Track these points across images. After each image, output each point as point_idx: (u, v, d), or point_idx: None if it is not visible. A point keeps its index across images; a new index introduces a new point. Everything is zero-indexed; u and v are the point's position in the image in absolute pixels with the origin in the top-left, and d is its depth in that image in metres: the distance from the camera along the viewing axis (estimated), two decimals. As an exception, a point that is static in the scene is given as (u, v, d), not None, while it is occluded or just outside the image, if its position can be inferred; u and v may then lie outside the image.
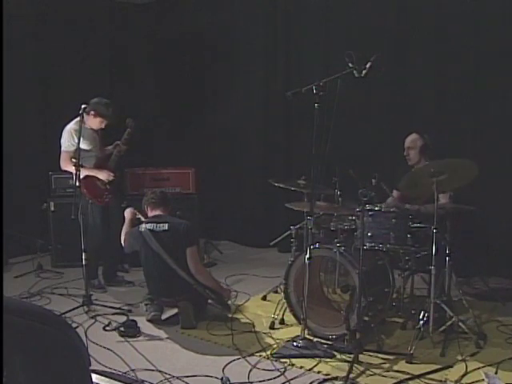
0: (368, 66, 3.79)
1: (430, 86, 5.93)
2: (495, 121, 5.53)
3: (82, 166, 5.01)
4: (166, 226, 4.59)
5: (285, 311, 4.47)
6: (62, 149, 5.30)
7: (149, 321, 4.55)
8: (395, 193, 5.09)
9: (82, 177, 4.97)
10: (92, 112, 5.29)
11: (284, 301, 4.43)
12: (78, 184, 4.85)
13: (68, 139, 5.26)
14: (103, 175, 5.39)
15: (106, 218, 5.46)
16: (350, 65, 3.80)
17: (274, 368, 3.71)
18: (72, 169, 5.02)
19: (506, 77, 5.41)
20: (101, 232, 5.42)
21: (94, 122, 5.37)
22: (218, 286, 4.80)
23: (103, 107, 5.33)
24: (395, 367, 3.69)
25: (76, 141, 5.04)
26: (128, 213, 4.94)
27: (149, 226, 4.62)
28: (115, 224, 5.53)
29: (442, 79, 5.86)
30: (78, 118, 5.04)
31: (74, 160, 4.90)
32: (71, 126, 5.28)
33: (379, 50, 5.64)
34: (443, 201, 4.50)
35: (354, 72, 3.81)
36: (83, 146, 5.17)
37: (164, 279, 4.57)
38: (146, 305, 4.69)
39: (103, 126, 5.42)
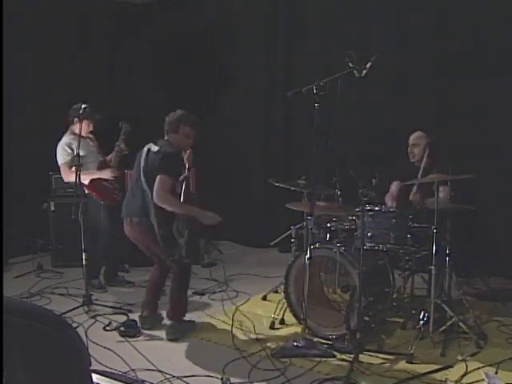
0: (368, 65, 3.79)
1: (430, 85, 5.92)
2: (495, 120, 5.52)
3: (83, 166, 5.03)
4: (155, 149, 4.28)
5: (285, 311, 4.48)
6: (59, 163, 5.38)
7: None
8: (395, 184, 5.02)
9: (87, 182, 5.13)
10: (75, 119, 5.30)
11: (284, 301, 4.43)
12: (78, 182, 4.85)
13: (61, 153, 5.35)
14: (106, 174, 5.40)
15: (114, 217, 5.44)
16: (351, 65, 3.79)
17: (274, 368, 3.70)
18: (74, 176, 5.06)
19: (506, 77, 5.41)
20: (109, 232, 5.42)
21: (82, 129, 5.32)
22: (196, 211, 4.38)
23: (81, 111, 5.15)
24: (395, 367, 3.69)
25: (69, 151, 5.26)
26: None
27: (148, 145, 4.39)
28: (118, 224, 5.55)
29: (442, 79, 5.86)
30: (67, 133, 5.36)
31: (73, 168, 4.97)
32: (62, 141, 5.38)
33: (379, 50, 5.66)
34: (442, 195, 4.49)
35: (355, 72, 3.80)
36: (81, 152, 5.15)
37: (134, 197, 4.31)
38: (141, 317, 4.54)
39: (91, 128, 5.45)
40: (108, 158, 5.62)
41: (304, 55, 6.76)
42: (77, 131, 5.26)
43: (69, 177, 5.31)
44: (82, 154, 5.22)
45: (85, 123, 5.31)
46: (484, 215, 5.33)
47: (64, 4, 6.99)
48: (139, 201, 4.21)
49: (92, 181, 5.29)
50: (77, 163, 4.88)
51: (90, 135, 5.54)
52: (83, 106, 4.95)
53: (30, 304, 1.58)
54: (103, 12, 7.43)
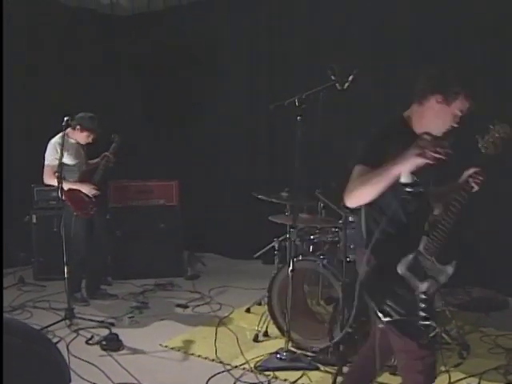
0: (350, 78, 3.82)
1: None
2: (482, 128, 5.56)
3: (65, 179, 4.99)
4: None
5: (268, 323, 4.46)
6: (46, 163, 5.26)
7: None
8: None
9: (66, 189, 4.96)
10: (78, 126, 5.29)
11: (268, 313, 4.42)
12: (60, 196, 4.82)
13: (51, 153, 5.23)
14: (86, 189, 5.34)
15: (89, 230, 5.42)
16: (333, 77, 3.82)
17: (257, 381, 3.70)
18: (55, 182, 5.01)
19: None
20: (84, 245, 5.36)
21: (80, 137, 5.37)
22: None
23: (88, 121, 5.32)
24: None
25: (59, 155, 5.01)
26: None
27: None
28: (99, 237, 5.51)
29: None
30: (63, 133, 5.10)
31: (57, 174, 4.88)
32: (56, 139, 5.25)
33: (365, 59, 5.70)
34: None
35: (337, 85, 3.82)
36: (68, 160, 5.15)
37: None
38: None
39: (90, 140, 5.41)
40: (92, 162, 5.60)
41: (289, 68, 6.78)
42: (73, 137, 5.30)
43: (49, 180, 5.23)
44: (70, 162, 5.22)
45: (86, 133, 5.35)
46: (466, 226, 5.35)
47: (51, 16, 7.01)
48: None
49: (70, 190, 5.19)
50: (59, 174, 4.84)
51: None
52: (65, 118, 4.91)
53: (10, 319, 1.57)
54: (88, 25, 7.44)
